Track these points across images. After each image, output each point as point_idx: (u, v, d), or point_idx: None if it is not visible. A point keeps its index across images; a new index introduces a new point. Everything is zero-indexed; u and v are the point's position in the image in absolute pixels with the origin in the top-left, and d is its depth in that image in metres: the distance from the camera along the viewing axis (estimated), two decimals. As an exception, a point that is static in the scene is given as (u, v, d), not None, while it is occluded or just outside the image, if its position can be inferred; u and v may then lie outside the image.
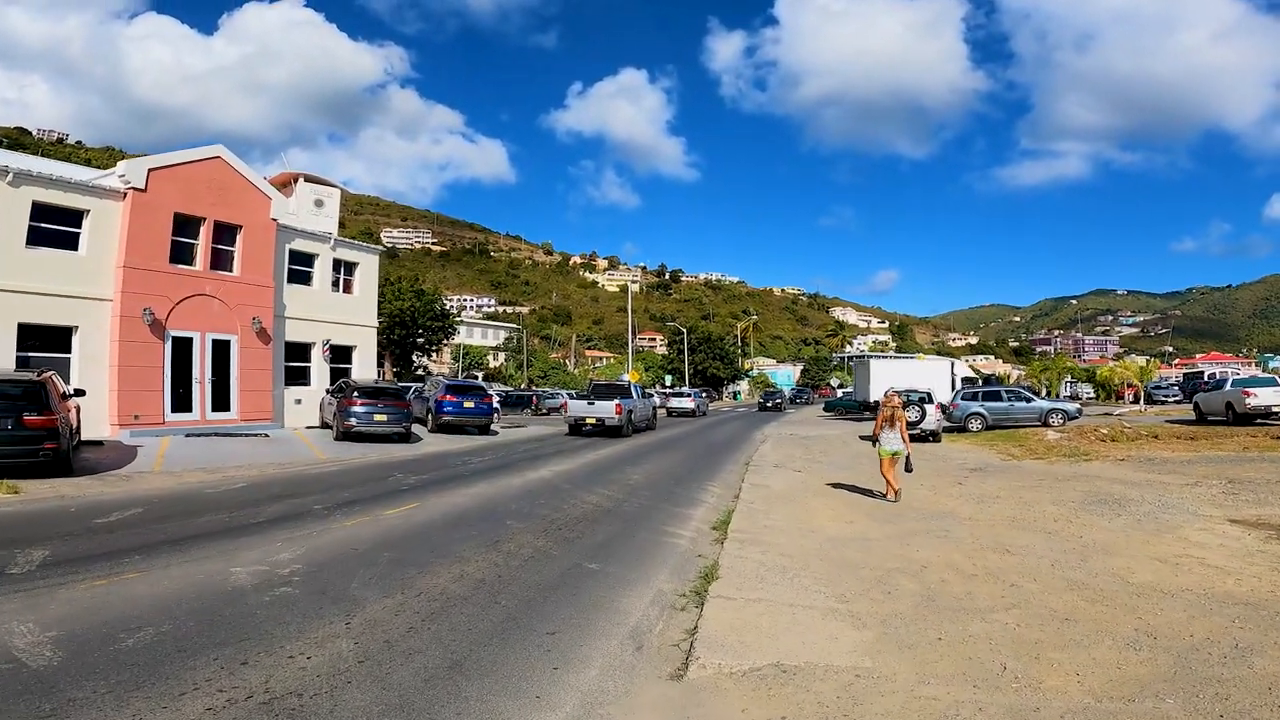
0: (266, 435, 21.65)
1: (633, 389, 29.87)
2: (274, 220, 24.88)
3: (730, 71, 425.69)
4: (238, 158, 24.45)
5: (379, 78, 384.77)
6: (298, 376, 26.04)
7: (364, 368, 28.56)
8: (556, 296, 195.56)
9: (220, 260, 23.55)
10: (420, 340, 76.22)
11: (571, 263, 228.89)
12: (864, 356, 65.13)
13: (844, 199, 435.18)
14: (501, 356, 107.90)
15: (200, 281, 22.74)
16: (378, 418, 21.04)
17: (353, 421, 20.88)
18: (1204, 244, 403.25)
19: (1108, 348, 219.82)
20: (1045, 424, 27.69)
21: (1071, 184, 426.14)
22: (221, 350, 23.25)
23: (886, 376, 33.50)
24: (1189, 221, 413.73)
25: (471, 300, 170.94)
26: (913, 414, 22.69)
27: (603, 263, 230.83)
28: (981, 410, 27.83)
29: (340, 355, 27.89)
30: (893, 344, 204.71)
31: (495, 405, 36.53)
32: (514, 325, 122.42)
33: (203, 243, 22.96)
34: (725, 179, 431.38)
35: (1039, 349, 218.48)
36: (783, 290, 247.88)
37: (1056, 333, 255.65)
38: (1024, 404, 28.16)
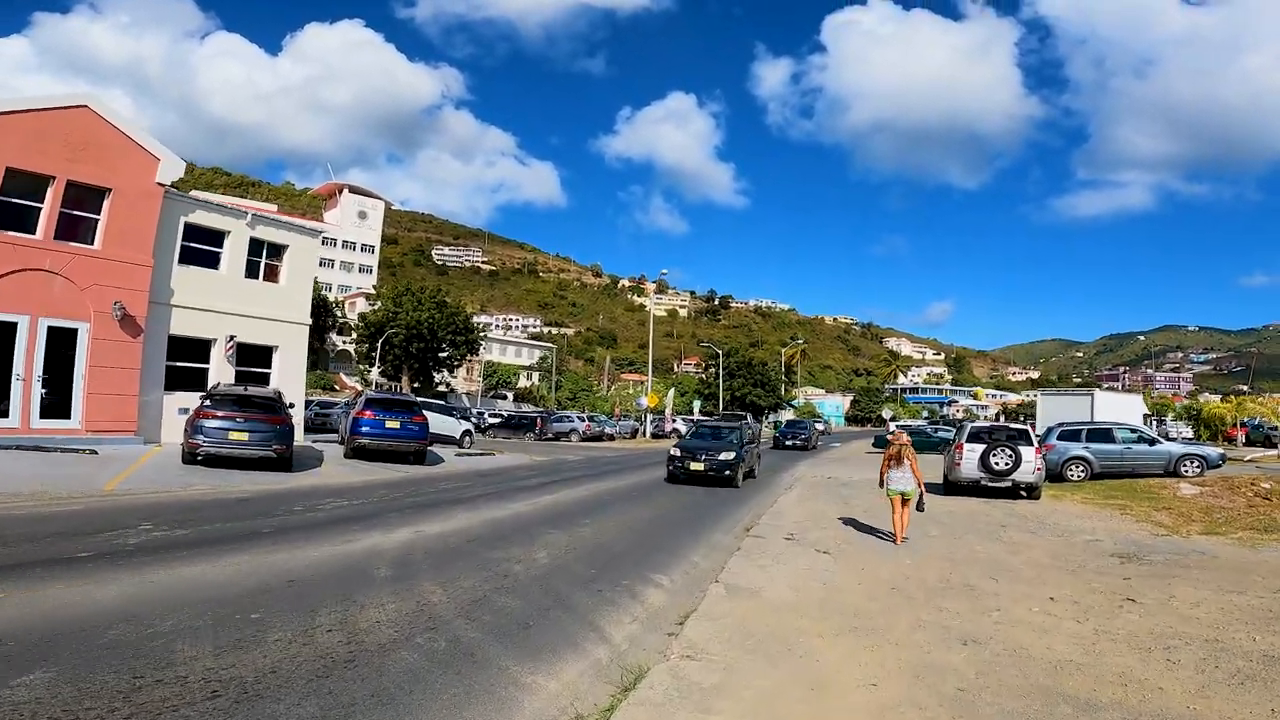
0: (93, 452, 15.74)
1: (748, 415, 44.48)
2: (161, 185, 19.19)
3: (777, 99, 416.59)
4: (114, 109, 19.01)
5: (435, 99, 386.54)
6: (188, 380, 20.14)
7: (289, 374, 22.59)
8: (603, 319, 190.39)
9: (75, 229, 17.94)
10: (443, 355, 71.12)
11: (620, 285, 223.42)
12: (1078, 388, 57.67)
13: (895, 228, 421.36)
14: (535, 376, 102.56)
15: (38, 253, 17.10)
16: (235, 435, 14.99)
17: (200, 440, 14.88)
18: (1277, 279, 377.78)
19: (1180, 385, 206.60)
20: (1174, 474, 20.42)
21: (1135, 215, 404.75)
22: (63, 341, 17.53)
23: (1111, 408, 29.33)
24: (1261, 255, 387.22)
25: (517, 320, 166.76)
26: (1001, 459, 15.71)
27: (651, 286, 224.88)
28: (1086, 454, 20.62)
29: (255, 357, 22.01)
30: (948, 377, 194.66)
31: (469, 428, 30.61)
32: (548, 344, 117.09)
33: (48, 206, 17.36)
34: (775, 206, 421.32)
35: (1105, 385, 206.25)
36: (834, 319, 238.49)
37: (1123, 369, 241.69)
38: (1144, 446, 20.90)
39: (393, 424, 18.84)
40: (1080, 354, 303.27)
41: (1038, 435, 18.70)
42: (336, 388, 73.50)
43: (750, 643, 5.86)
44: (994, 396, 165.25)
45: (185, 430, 15.48)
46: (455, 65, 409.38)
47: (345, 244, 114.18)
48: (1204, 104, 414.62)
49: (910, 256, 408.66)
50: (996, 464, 15.67)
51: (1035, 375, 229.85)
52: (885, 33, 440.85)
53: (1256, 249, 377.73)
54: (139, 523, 9.55)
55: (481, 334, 79.15)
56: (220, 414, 15.14)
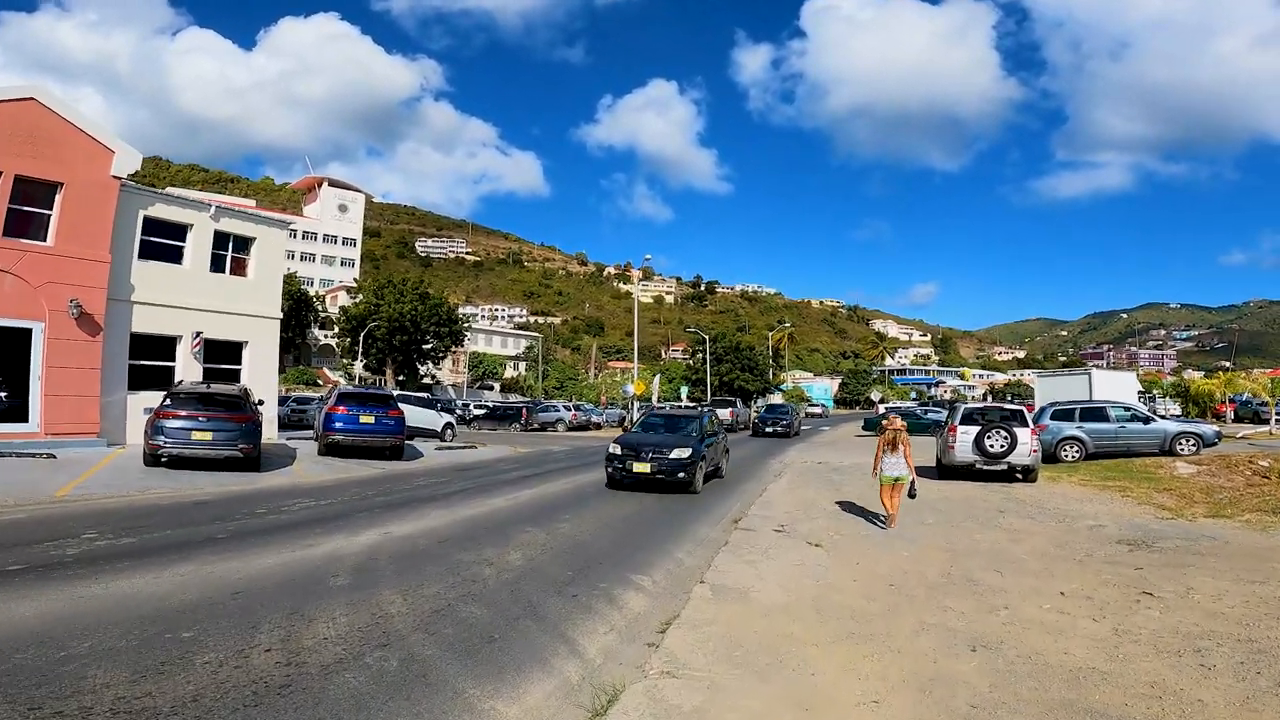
0: (51, 456, 15.01)
1: (737, 401, 47.88)
2: (116, 178, 18.38)
3: (758, 85, 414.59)
4: (64, 100, 18.25)
5: (414, 91, 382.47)
6: (154, 379, 19.34)
7: (260, 369, 21.87)
8: (589, 307, 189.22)
9: (26, 225, 17.18)
10: (427, 347, 70.24)
11: (606, 273, 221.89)
12: (1077, 367, 56.99)
13: (878, 211, 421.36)
14: (522, 366, 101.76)
15: (-14, 250, 16.36)
16: (198, 435, 14.30)
17: (161, 441, 14.20)
18: (1255, 256, 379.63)
19: (1164, 362, 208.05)
20: (1170, 452, 20.04)
21: (1114, 196, 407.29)
22: (17, 342, 16.82)
23: (1107, 387, 29.33)
24: (1238, 233, 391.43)
25: (503, 310, 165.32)
26: (997, 442, 15.19)
27: (637, 274, 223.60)
28: (1080, 434, 20.18)
29: (224, 353, 21.25)
30: (935, 357, 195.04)
31: (450, 421, 29.92)
32: (534, 334, 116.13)
33: (-5, 202, 16.65)
34: (758, 191, 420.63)
35: (1090, 363, 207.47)
36: (820, 302, 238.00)
37: (1107, 346, 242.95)
38: (1140, 425, 20.49)
39: (367, 419, 18.16)
40: (1065, 333, 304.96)
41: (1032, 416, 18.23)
42: (320, 382, 72.56)
43: (738, 654, 5.29)
44: (981, 376, 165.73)
45: (145, 431, 14.75)
46: (434, 57, 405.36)
47: (326, 238, 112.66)
48: (1179, 86, 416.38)
49: (894, 239, 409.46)
50: (992, 446, 15.17)
51: (1021, 355, 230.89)
52: (864, 18, 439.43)
53: (1234, 227, 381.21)
54: (84, 531, 8.90)
55: (465, 325, 78.26)
56: (182, 413, 14.43)
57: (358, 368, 67.57)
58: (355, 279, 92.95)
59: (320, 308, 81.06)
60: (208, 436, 14.38)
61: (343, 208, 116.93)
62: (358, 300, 71.94)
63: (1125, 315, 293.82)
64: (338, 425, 17.97)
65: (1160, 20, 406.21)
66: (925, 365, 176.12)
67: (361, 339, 64.65)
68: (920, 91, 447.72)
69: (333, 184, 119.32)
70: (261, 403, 17.94)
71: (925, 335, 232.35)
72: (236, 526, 9.72)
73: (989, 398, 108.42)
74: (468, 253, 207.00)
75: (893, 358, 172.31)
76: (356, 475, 15.90)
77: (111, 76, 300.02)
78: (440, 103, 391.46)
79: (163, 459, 14.45)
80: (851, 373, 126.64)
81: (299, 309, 76.41)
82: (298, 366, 76.24)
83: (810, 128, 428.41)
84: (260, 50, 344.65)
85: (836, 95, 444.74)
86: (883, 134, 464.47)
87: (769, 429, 35.36)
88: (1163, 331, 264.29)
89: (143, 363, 19.40)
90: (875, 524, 10.72)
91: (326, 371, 77.98)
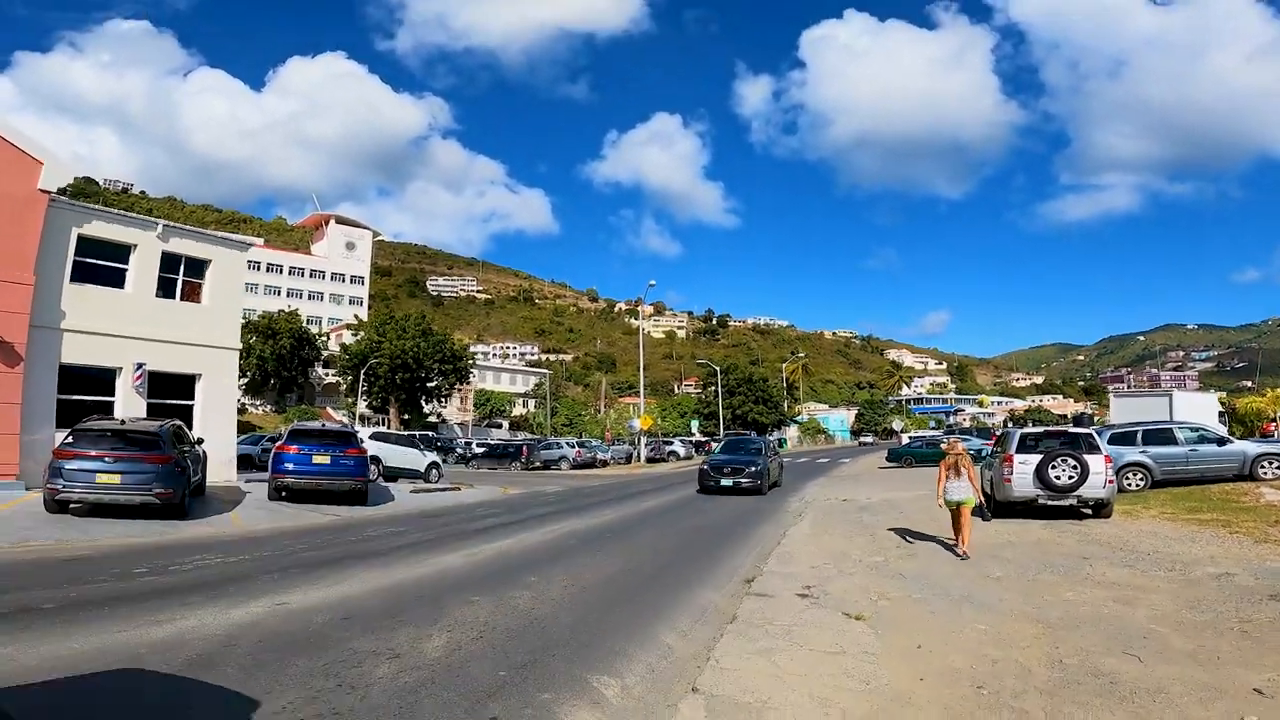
0: (-61, 509, 12.73)
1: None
2: (45, 192, 16.36)
3: (760, 116, 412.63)
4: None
5: (422, 130, 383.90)
6: (90, 415, 17.13)
7: (215, 404, 19.62)
8: (600, 343, 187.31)
9: (-65, 242, 15.14)
10: (431, 384, 68.24)
11: (617, 309, 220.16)
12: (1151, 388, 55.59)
13: (886, 240, 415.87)
14: (531, 404, 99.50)
15: (-117, 268, 14.26)
16: (104, 479, 11.97)
17: (60, 485, 11.93)
18: (1270, 274, 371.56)
19: (1186, 383, 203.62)
20: (1250, 477, 17.40)
21: (1121, 218, 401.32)
22: (-82, 374, 14.64)
23: (1189, 409, 27.16)
24: (1251, 251, 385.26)
25: (514, 347, 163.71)
26: (1064, 472, 12.54)
27: (648, 309, 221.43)
28: (1145, 460, 17.56)
29: (174, 387, 19.01)
30: (951, 386, 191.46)
31: (436, 461, 27.53)
32: (542, 371, 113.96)
33: (-101, 215, 14.60)
34: (766, 223, 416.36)
35: (1110, 387, 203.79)
36: (834, 333, 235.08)
37: (1125, 370, 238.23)
38: (1212, 448, 17.84)
39: (321, 459, 15.75)
40: (1081, 357, 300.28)
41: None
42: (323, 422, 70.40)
43: None
44: (1000, 404, 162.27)
45: (43, 474, 12.46)
46: (440, 95, 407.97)
47: (334, 275, 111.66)
48: (1178, 104, 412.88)
49: (904, 268, 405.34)
50: (1058, 478, 12.52)
51: (1039, 380, 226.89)
52: (861, 46, 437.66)
53: (1247, 246, 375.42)
54: None
55: (470, 361, 76.24)
56: (89, 453, 12.12)
57: (360, 406, 65.50)
58: (356, 316, 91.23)
59: (323, 345, 79.32)
60: (115, 480, 12.03)
61: (350, 245, 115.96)
62: (359, 337, 70.08)
63: (1142, 338, 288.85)
64: (288, 467, 15.58)
65: (1154, 38, 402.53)
66: (942, 394, 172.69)
67: (362, 376, 62.60)
68: (921, 118, 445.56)
69: (340, 221, 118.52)
70: (200, 441, 15.67)
71: (940, 364, 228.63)
72: (82, 593, 7.31)
73: (1008, 423, 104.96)
74: (479, 291, 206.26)
75: (909, 387, 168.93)
76: (301, 524, 13.47)
77: (125, 118, 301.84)
78: (448, 141, 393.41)
79: (70, 505, 12.20)
80: (868, 403, 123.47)
81: (300, 346, 74.70)
82: (300, 405, 74.26)
83: (814, 158, 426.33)
84: (270, 90, 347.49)
85: (838, 125, 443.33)
86: (886, 162, 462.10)
87: (724, 481, 20.84)
88: (1181, 353, 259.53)
89: (75, 398, 17.14)
90: (933, 574, 8.20)
91: (330, 410, 75.89)
